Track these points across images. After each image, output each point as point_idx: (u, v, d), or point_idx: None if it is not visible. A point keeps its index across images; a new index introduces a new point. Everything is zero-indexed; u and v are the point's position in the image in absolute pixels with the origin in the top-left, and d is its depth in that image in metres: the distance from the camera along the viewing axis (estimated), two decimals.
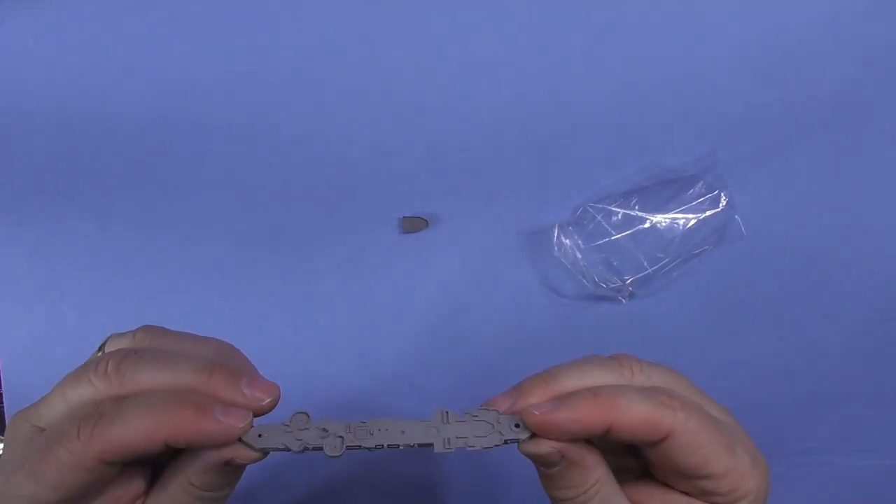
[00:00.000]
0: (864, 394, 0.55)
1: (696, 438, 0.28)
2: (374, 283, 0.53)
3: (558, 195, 0.54)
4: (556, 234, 0.52)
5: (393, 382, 0.55)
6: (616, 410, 0.28)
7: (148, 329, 0.31)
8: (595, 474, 0.30)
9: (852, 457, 0.56)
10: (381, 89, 0.52)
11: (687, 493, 0.30)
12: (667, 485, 0.31)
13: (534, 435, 0.29)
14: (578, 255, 0.52)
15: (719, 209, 0.52)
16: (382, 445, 0.29)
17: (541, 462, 0.30)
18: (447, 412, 0.30)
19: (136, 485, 0.29)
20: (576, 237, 0.52)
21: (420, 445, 0.29)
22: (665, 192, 0.53)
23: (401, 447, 0.29)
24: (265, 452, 0.29)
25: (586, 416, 0.28)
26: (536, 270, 0.54)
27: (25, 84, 0.51)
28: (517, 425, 0.29)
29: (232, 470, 0.29)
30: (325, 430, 0.29)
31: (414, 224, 0.53)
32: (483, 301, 0.54)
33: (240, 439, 0.28)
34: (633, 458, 0.33)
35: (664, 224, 0.52)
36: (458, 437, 0.29)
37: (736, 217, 0.52)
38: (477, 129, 0.53)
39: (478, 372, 0.55)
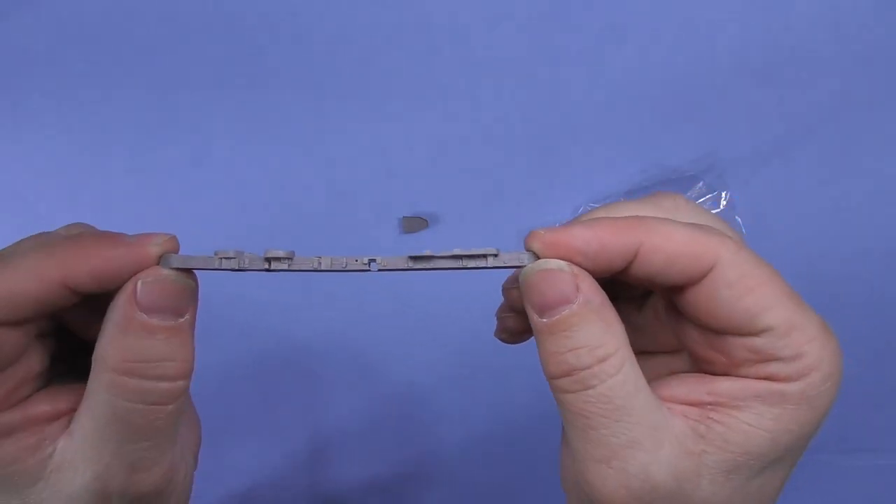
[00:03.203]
0: (864, 394, 0.55)
1: (750, 273, 0.22)
2: (374, 284, 0.53)
3: (558, 195, 0.54)
4: None
5: (393, 383, 0.55)
6: (645, 231, 0.22)
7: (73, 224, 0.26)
8: (615, 338, 0.22)
9: (852, 457, 0.56)
10: (380, 89, 0.52)
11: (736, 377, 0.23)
12: (707, 372, 0.24)
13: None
14: None
15: (720, 209, 0.52)
16: (322, 265, 0.24)
17: (542, 304, 0.22)
18: (428, 251, 0.24)
19: (61, 400, 0.24)
20: None
21: (371, 262, 0.24)
22: None
23: (346, 266, 0.25)
24: (187, 272, 0.24)
25: (608, 233, 0.22)
26: None
27: None
28: (522, 261, 0.23)
29: (163, 331, 0.22)
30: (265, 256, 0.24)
31: (414, 224, 0.53)
32: (483, 301, 0.54)
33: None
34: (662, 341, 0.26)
35: None
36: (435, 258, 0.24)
37: (736, 217, 0.52)
38: (477, 129, 0.53)
39: (478, 372, 0.55)
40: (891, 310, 0.54)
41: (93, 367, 0.23)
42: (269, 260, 0.24)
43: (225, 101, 0.51)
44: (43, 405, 0.24)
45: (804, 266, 0.53)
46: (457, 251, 0.24)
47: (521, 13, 0.51)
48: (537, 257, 0.23)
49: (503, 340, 0.29)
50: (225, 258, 0.24)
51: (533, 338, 0.27)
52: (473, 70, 0.52)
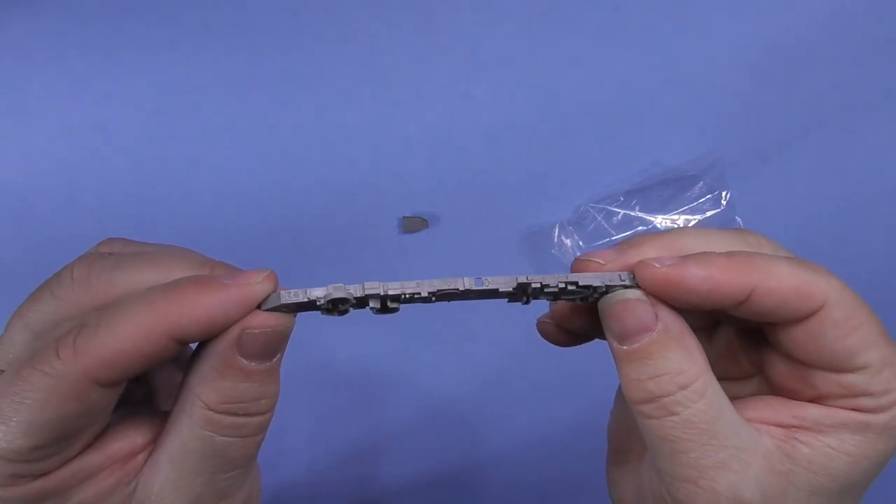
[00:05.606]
0: None
1: (854, 314, 0.22)
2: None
3: (558, 195, 0.54)
4: (556, 234, 0.52)
5: (393, 383, 0.55)
6: (759, 272, 0.22)
7: (112, 239, 0.26)
8: (696, 364, 0.22)
9: None
10: (380, 89, 0.52)
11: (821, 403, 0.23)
12: (793, 398, 0.24)
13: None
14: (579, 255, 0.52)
15: (720, 209, 0.52)
16: (450, 290, 0.23)
17: (622, 332, 0.23)
18: (527, 276, 0.23)
19: (137, 434, 0.24)
20: (576, 237, 0.52)
21: (493, 293, 0.24)
22: (665, 192, 0.53)
23: (467, 290, 0.24)
24: (290, 310, 0.23)
25: (722, 275, 0.22)
26: (536, 270, 0.54)
27: None
28: (623, 280, 0.23)
29: (252, 372, 0.22)
30: (365, 286, 0.23)
31: (414, 224, 0.53)
32: (482, 301, 0.54)
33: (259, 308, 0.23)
34: (746, 362, 0.26)
35: (664, 224, 0.52)
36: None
37: (736, 217, 0.52)
38: (477, 129, 0.53)
39: (478, 373, 0.55)
40: (891, 310, 0.54)
41: (184, 403, 0.23)
42: (383, 297, 0.23)
43: (225, 100, 0.51)
44: (120, 442, 0.23)
45: None
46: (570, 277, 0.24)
47: (521, 13, 0.51)
48: (635, 280, 0.23)
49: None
50: (337, 296, 0.23)
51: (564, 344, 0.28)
52: (473, 70, 0.52)
